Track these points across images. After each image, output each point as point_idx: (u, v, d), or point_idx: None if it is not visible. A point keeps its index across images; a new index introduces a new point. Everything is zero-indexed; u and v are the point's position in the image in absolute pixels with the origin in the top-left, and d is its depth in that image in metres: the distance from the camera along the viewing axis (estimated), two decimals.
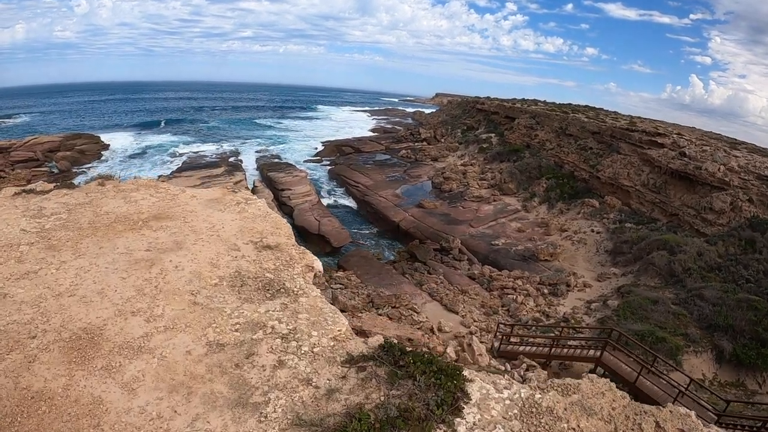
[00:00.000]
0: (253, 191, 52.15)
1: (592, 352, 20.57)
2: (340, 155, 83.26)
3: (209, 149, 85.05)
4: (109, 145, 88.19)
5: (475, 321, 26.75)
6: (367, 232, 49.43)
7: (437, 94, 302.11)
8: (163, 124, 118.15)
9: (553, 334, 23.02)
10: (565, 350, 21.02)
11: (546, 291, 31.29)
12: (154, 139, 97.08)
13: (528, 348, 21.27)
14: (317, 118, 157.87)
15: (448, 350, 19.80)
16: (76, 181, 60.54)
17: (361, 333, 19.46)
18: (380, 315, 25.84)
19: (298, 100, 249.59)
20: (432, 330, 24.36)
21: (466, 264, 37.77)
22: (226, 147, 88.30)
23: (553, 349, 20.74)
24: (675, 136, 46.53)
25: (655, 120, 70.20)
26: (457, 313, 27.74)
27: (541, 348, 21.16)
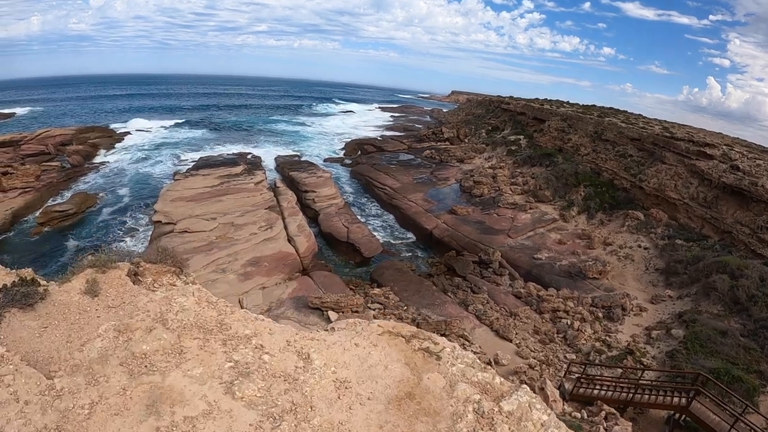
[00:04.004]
0: (275, 192, 50.44)
1: (677, 399, 18.54)
2: (362, 154, 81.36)
3: (226, 145, 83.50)
4: (122, 138, 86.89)
5: (532, 351, 24.85)
6: (398, 240, 47.43)
7: (453, 92, 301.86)
8: (177, 118, 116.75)
9: (620, 373, 21.14)
10: (646, 396, 19.00)
11: (600, 315, 29.23)
12: (168, 133, 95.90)
13: (605, 392, 19.23)
14: (334, 114, 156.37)
15: None
16: (88, 178, 59.29)
17: None
18: None
19: (313, 96, 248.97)
20: (489, 364, 22.46)
21: (507, 279, 35.80)
22: (243, 143, 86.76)
23: (635, 395, 18.72)
24: (725, 147, 44.17)
25: (684, 125, 67.72)
26: (510, 341, 25.85)
27: (619, 393, 19.14)
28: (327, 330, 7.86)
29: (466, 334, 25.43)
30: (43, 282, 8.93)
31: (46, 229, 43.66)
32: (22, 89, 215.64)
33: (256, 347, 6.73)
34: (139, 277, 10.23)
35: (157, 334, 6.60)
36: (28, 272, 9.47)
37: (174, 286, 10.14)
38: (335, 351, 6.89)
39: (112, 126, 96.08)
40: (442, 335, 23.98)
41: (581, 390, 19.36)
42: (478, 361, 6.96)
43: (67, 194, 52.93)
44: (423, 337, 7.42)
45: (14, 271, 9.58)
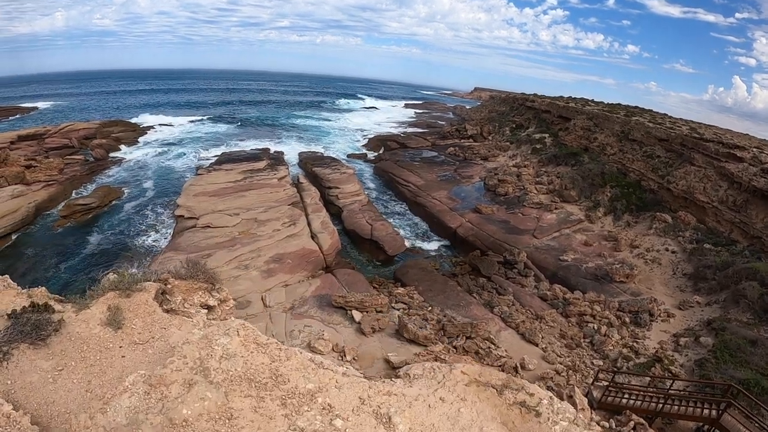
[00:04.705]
0: (299, 188, 50.59)
1: (707, 410, 18.31)
2: (385, 150, 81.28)
3: (248, 140, 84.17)
4: (146, 132, 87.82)
5: (558, 356, 24.74)
6: (422, 238, 47.39)
7: (476, 89, 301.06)
8: (200, 113, 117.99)
9: (648, 381, 20.96)
10: (676, 406, 18.78)
11: (627, 320, 28.97)
12: (191, 128, 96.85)
13: (633, 401, 19.05)
14: (356, 110, 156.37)
15: None
16: (112, 172, 59.93)
17: None
18: (455, 347, 24.04)
19: (336, 92, 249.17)
20: (515, 368, 22.45)
21: (532, 280, 35.58)
22: (266, 138, 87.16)
23: (664, 405, 18.52)
24: (755, 150, 43.33)
25: (710, 125, 66.54)
26: (536, 345, 25.75)
27: (648, 402, 18.95)
28: (402, 377, 7.10)
29: (491, 337, 25.35)
30: (57, 306, 7.96)
31: (69, 222, 44.39)
32: (46, 83, 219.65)
33: (323, 408, 5.64)
34: (168, 296, 9.54)
35: (199, 392, 5.39)
36: (41, 293, 8.90)
37: (212, 319, 9.51)
38: (419, 409, 6.01)
39: (136, 120, 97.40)
40: (467, 338, 24.08)
41: (609, 398, 19.21)
42: (580, 417, 6.52)
43: (91, 187, 53.77)
44: (516, 387, 6.79)
45: (26, 291, 8.81)
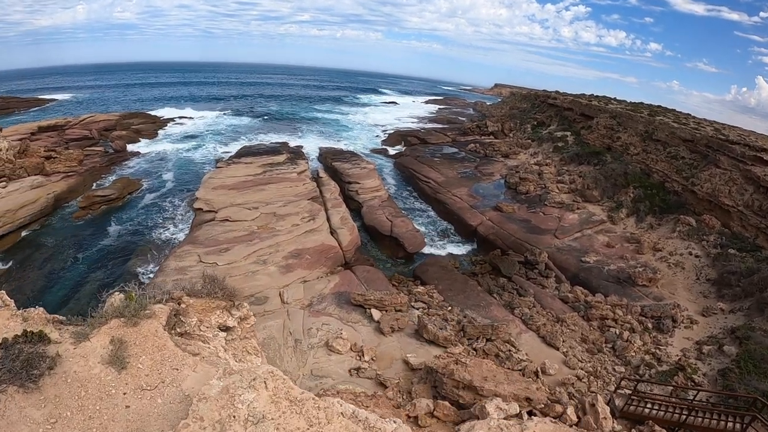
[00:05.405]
0: (318, 182, 50.59)
1: (731, 423, 18.03)
2: (405, 145, 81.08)
3: (268, 134, 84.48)
4: (166, 125, 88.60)
5: (579, 361, 24.55)
6: (442, 236, 47.26)
7: (496, 85, 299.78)
8: (220, 106, 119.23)
9: (670, 390, 20.70)
10: (699, 418, 18.51)
11: (650, 325, 28.64)
12: (211, 120, 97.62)
13: (656, 412, 18.82)
14: (376, 105, 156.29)
15: (568, 411, 17.58)
16: (131, 164, 60.35)
17: (471, 388, 17.51)
18: (475, 349, 23.94)
19: (356, 86, 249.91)
20: (536, 373, 22.33)
21: (553, 282, 35.29)
22: (285, 132, 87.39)
23: (688, 417, 18.27)
24: None
25: (734, 126, 65.26)
26: (557, 349, 25.57)
27: (671, 413, 18.71)
28: None
29: (512, 339, 25.24)
30: (54, 335, 7.13)
31: (87, 213, 44.94)
32: (67, 76, 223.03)
33: None
34: (182, 317, 8.60)
35: None
36: (38, 315, 8.02)
37: (231, 340, 8.77)
38: None
39: (156, 113, 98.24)
40: (488, 340, 24.00)
41: (632, 408, 18.99)
42: None
43: (110, 179, 54.44)
44: None
45: (20, 312, 7.96)
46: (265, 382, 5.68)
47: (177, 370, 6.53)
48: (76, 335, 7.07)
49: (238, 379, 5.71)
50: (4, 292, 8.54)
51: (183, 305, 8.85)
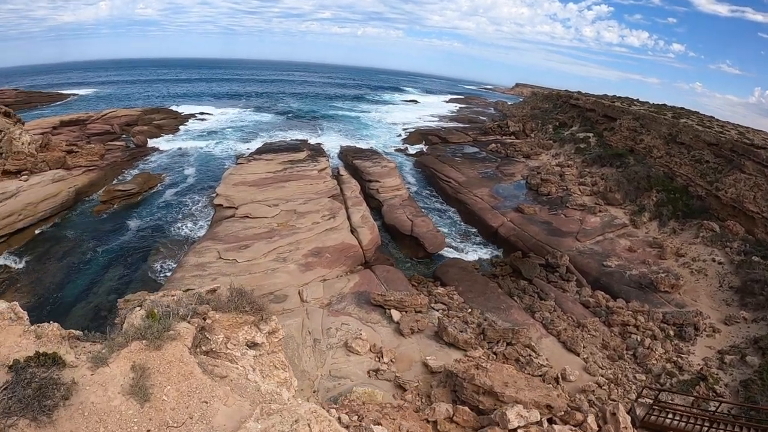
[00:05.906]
0: (339, 180, 50.71)
1: None
2: (426, 144, 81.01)
3: (289, 131, 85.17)
4: (187, 120, 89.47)
5: (600, 368, 24.43)
6: (462, 236, 47.16)
7: (517, 84, 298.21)
8: (241, 102, 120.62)
9: (692, 401, 20.50)
10: (721, 431, 18.33)
11: (672, 333, 28.38)
12: (232, 117, 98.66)
13: (677, 422, 18.67)
14: (397, 103, 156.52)
15: (589, 420, 17.48)
16: (152, 159, 60.96)
17: (491, 393, 17.51)
18: (495, 353, 23.90)
19: (376, 84, 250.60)
20: (556, 379, 22.26)
21: (574, 286, 35.07)
22: (306, 129, 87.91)
23: (709, 429, 18.09)
24: None
25: (758, 130, 63.75)
26: (578, 355, 25.48)
27: (693, 425, 18.54)
28: None
29: (532, 344, 25.16)
30: (69, 357, 6.59)
31: (108, 208, 45.63)
32: (89, 71, 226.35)
33: None
34: (207, 334, 8.18)
35: None
36: (52, 332, 7.47)
37: (259, 356, 8.47)
38: None
39: (177, 108, 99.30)
40: (508, 344, 23.96)
41: (653, 418, 18.86)
42: None
43: (131, 174, 55.22)
44: None
45: (34, 328, 7.44)
46: (309, 424, 5.23)
47: (206, 403, 6.02)
48: (93, 359, 6.51)
49: (279, 422, 5.29)
50: (16, 303, 8.00)
51: (209, 321, 8.53)
